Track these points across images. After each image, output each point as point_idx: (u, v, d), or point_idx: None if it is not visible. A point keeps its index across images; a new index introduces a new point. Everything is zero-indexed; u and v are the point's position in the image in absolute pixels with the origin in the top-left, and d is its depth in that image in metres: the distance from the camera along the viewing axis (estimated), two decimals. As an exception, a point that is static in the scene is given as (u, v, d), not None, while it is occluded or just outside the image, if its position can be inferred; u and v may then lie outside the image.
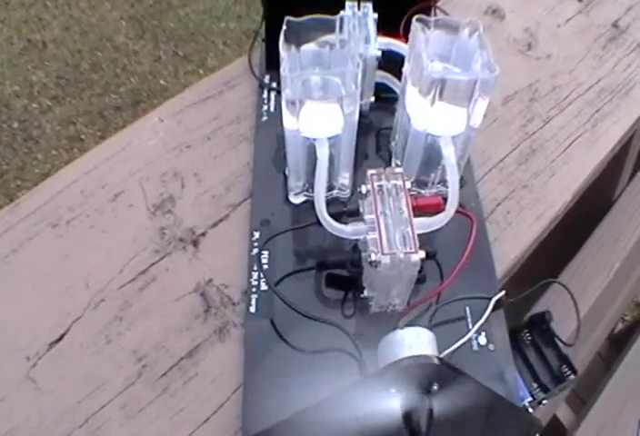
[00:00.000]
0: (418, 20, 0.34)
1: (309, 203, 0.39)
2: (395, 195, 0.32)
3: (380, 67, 0.41)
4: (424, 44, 0.34)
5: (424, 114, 0.35)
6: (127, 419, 0.33)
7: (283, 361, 0.34)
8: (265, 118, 0.45)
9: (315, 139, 0.35)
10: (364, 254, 0.33)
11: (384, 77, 0.43)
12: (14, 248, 0.39)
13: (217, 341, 0.36)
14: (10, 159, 1.28)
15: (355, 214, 0.35)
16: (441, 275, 0.37)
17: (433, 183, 0.40)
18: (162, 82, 1.45)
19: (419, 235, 0.31)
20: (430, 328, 0.30)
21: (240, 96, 0.48)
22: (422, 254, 0.30)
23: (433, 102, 0.34)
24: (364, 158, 0.43)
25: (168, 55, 1.51)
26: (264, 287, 0.36)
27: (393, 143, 0.43)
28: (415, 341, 0.28)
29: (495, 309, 0.36)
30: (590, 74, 0.54)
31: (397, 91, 0.42)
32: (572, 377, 0.36)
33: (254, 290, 0.36)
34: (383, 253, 0.30)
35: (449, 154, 0.35)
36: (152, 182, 0.43)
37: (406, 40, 0.37)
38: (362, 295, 0.35)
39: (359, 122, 0.36)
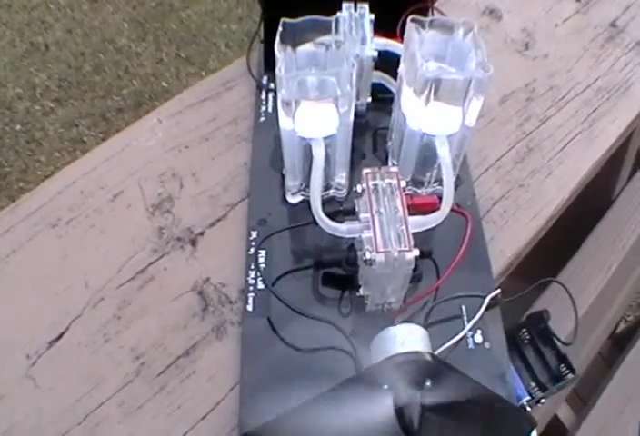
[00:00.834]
0: (413, 20, 0.35)
1: (306, 203, 0.39)
2: (389, 194, 0.33)
3: (377, 68, 0.41)
4: (418, 45, 0.34)
5: (418, 114, 0.35)
6: (125, 416, 0.33)
7: (279, 359, 0.34)
8: (262, 119, 0.46)
9: (310, 139, 0.36)
10: (359, 253, 0.33)
11: (380, 78, 0.43)
12: (14, 248, 0.40)
13: (215, 340, 0.36)
14: (13, 161, 1.29)
15: (350, 213, 0.35)
16: (437, 274, 0.38)
17: (429, 183, 0.41)
18: (164, 84, 1.46)
19: (416, 234, 0.32)
20: (426, 326, 0.30)
21: (238, 97, 0.49)
22: (416, 252, 0.30)
23: (427, 101, 0.34)
24: (361, 158, 0.44)
25: (170, 57, 1.51)
26: (261, 286, 0.37)
27: (389, 143, 0.43)
28: (408, 338, 0.28)
29: (491, 307, 0.36)
30: (587, 74, 0.54)
31: (394, 91, 0.42)
32: (570, 376, 0.36)
33: (251, 288, 0.37)
34: (377, 251, 0.30)
35: (444, 153, 0.36)
36: (150, 182, 0.43)
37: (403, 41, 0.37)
38: (358, 294, 0.35)
39: (356, 122, 0.36)
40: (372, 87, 0.43)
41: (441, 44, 0.36)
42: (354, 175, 0.41)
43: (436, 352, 0.31)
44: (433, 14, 0.50)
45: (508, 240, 0.42)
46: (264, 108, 0.46)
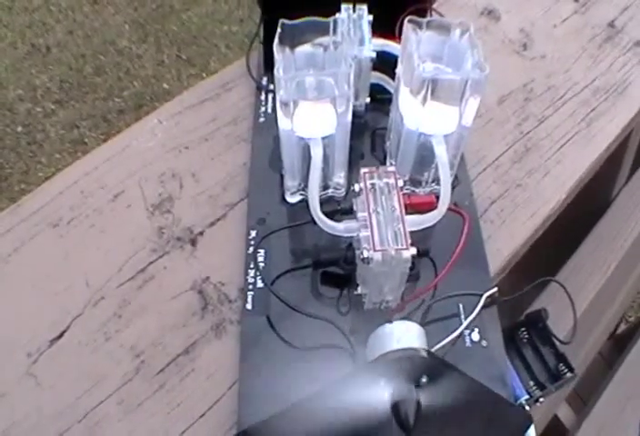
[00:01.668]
0: (410, 21, 0.35)
1: (305, 203, 0.39)
2: (387, 193, 0.33)
3: (375, 68, 0.41)
4: (415, 45, 0.34)
5: (416, 114, 0.36)
6: (125, 414, 0.33)
7: (278, 358, 0.34)
8: (262, 119, 0.46)
9: (309, 139, 0.36)
10: (357, 252, 0.34)
11: (379, 78, 0.44)
12: (15, 247, 0.40)
13: (214, 338, 0.36)
14: (14, 163, 1.30)
15: (348, 212, 0.36)
16: (435, 273, 0.38)
17: (427, 182, 0.41)
18: (165, 85, 1.46)
19: (413, 233, 0.32)
20: (423, 324, 0.30)
21: (238, 98, 0.49)
22: (413, 251, 0.31)
23: (424, 101, 0.34)
24: (359, 158, 0.44)
25: (171, 59, 1.52)
26: (260, 285, 0.37)
27: (388, 143, 0.43)
28: (404, 335, 0.28)
29: (488, 305, 0.36)
30: (585, 74, 0.54)
31: (392, 91, 0.42)
32: (569, 375, 0.36)
33: (250, 287, 0.37)
34: (374, 250, 0.31)
35: (441, 153, 0.36)
36: (150, 182, 0.44)
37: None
38: (356, 292, 0.36)
39: (355, 122, 0.36)
40: (370, 88, 0.43)
41: (438, 44, 0.36)
42: (352, 175, 0.41)
43: (433, 350, 0.31)
44: (431, 14, 0.50)
45: (505, 239, 0.42)
46: (263, 109, 0.47)
